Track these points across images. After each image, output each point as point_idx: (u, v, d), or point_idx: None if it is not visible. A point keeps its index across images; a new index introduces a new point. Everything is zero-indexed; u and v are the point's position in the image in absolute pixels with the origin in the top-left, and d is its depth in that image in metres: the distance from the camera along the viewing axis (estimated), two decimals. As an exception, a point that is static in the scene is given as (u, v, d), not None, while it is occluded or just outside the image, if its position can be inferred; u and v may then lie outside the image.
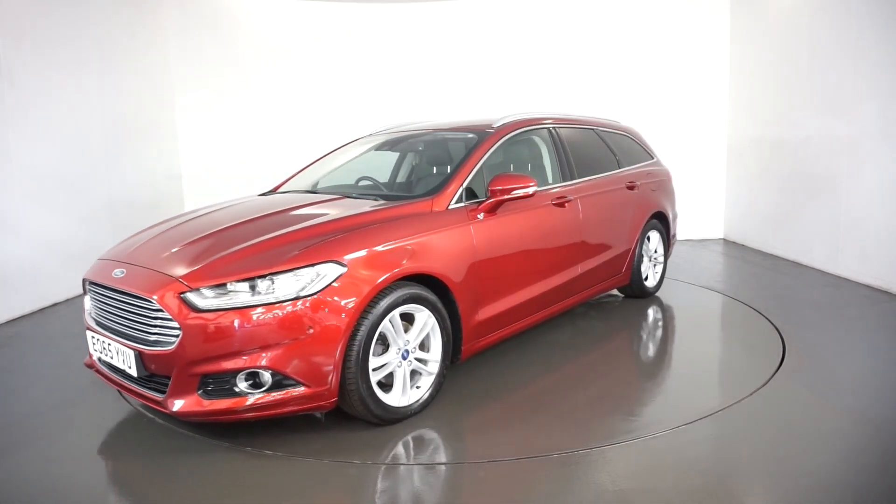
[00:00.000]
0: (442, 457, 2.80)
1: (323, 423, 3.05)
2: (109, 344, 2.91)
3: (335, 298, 2.68)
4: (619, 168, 4.87)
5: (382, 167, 4.51)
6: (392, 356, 2.97)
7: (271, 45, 7.95)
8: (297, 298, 2.63)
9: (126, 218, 6.28)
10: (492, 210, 3.51)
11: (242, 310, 2.59)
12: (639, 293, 5.13)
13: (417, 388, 3.12)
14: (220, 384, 2.64)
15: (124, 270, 2.95)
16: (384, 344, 2.97)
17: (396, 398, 2.99)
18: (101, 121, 6.17)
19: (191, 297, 2.62)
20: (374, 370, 2.86)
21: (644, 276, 5.10)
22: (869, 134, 5.38)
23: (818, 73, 6.04)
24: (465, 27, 8.08)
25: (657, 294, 5.35)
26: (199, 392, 2.64)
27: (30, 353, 4.28)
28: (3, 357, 4.19)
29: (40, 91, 5.33)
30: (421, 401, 3.10)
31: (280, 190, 4.31)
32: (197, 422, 2.95)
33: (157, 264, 2.88)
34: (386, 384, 3.01)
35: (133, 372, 2.77)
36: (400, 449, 2.81)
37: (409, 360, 3.05)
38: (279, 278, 2.65)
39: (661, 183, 5.31)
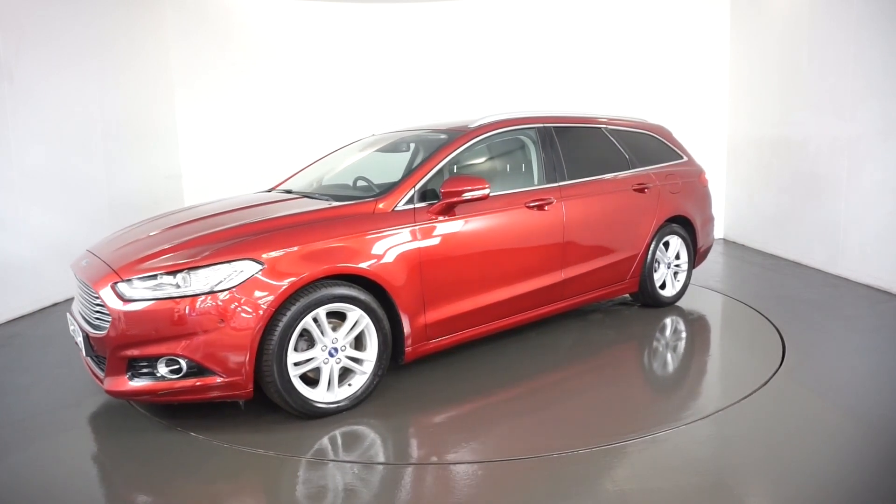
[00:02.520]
0: (380, 456, 2.80)
1: (268, 413, 3.17)
2: (75, 327, 3.22)
3: (249, 294, 2.83)
4: (631, 169, 4.65)
5: (374, 168, 4.50)
6: (317, 352, 3.05)
7: (271, 45, 7.95)
8: (211, 292, 2.81)
9: (126, 218, 6.27)
10: (444, 212, 3.49)
11: (163, 300, 2.81)
12: (652, 302, 4.83)
13: (349, 385, 3.18)
14: (145, 368, 2.87)
15: (88, 261, 3.28)
16: (311, 340, 3.07)
17: (321, 394, 3.08)
18: (101, 121, 6.17)
19: (121, 286, 2.88)
20: (296, 364, 2.98)
21: (660, 285, 4.82)
22: (869, 134, 5.38)
23: (818, 74, 6.04)
24: (465, 27, 8.08)
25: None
26: (128, 374, 2.89)
27: (30, 353, 4.28)
28: (3, 357, 4.19)
29: (40, 91, 5.33)
30: (351, 398, 3.16)
31: (269, 189, 4.38)
32: (157, 405, 3.22)
33: (109, 256, 3.17)
34: (316, 379, 3.11)
35: (83, 352, 3.11)
36: (326, 443, 2.89)
37: (337, 358, 3.11)
38: (196, 273, 2.84)
39: (687, 185, 4.98)
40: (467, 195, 3.43)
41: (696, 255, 5.15)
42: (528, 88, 8.11)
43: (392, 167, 4.46)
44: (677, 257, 4.95)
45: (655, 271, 4.78)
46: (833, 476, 2.52)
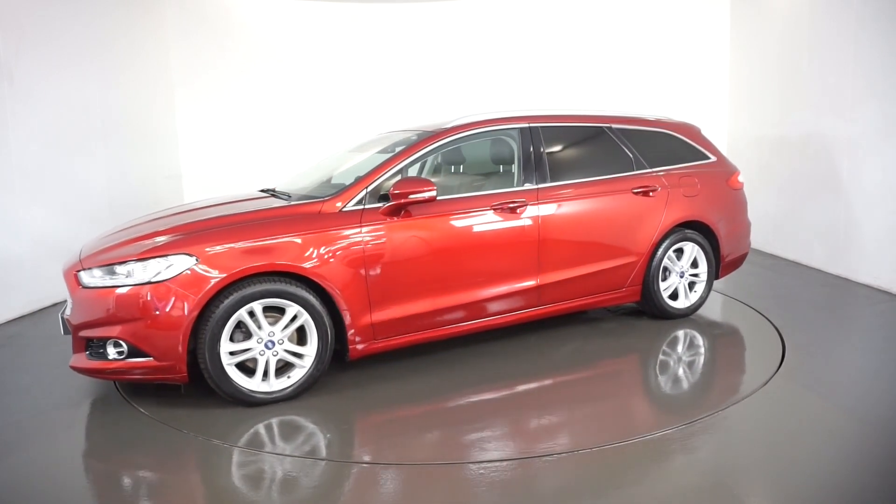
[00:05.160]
0: (319, 450, 2.85)
1: (220, 399, 3.30)
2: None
3: (183, 286, 3.06)
4: (635, 170, 4.36)
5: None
6: (253, 344, 3.20)
7: (271, 45, 7.95)
8: (149, 283, 3.07)
9: (126, 218, 6.27)
10: (394, 213, 3.50)
11: (110, 289, 3.12)
12: (659, 313, 4.49)
13: (288, 378, 3.31)
14: (97, 348, 3.19)
15: (75, 252, 3.59)
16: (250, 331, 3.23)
17: (256, 384, 3.24)
18: (101, 120, 6.17)
19: (82, 274, 3.23)
20: (232, 354, 3.16)
21: (670, 294, 4.48)
22: (869, 134, 5.38)
23: (818, 73, 6.04)
24: (465, 27, 8.08)
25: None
26: (86, 352, 3.22)
27: (30, 353, 4.28)
28: (3, 357, 4.19)
29: (40, 91, 5.32)
30: (288, 390, 3.28)
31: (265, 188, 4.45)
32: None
33: (86, 247, 3.52)
34: (255, 369, 3.27)
35: (62, 331, 3.37)
36: (261, 431, 3.01)
37: (274, 351, 3.25)
38: (137, 265, 3.12)
39: (710, 187, 4.58)
40: (413, 197, 3.44)
41: (721, 265, 4.69)
42: (528, 88, 8.11)
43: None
44: (694, 266, 4.56)
45: (663, 280, 4.45)
46: (833, 476, 2.52)
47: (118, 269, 3.14)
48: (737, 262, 4.88)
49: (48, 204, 5.42)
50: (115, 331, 3.09)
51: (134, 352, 3.10)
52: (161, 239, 3.22)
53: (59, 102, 5.58)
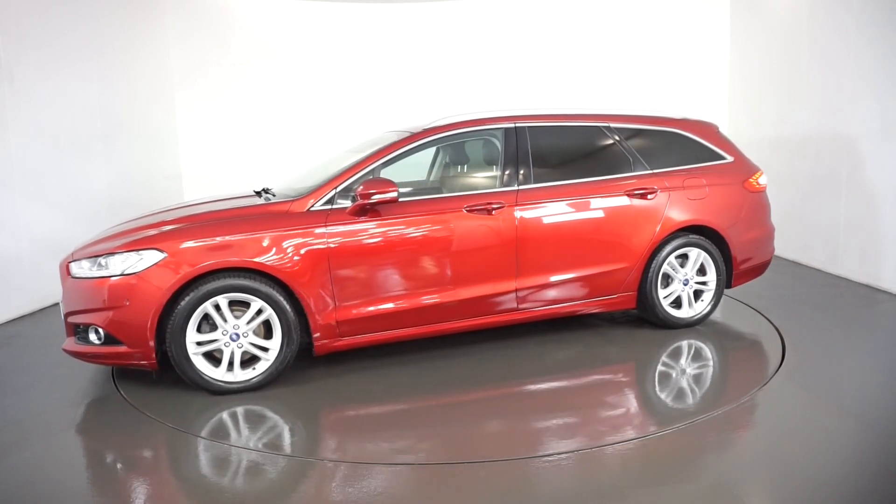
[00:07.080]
0: (282, 444, 2.90)
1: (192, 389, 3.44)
2: None
3: (151, 280, 3.26)
4: (632, 171, 4.17)
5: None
6: (219, 336, 3.36)
7: (271, 45, 7.95)
8: (122, 275, 3.27)
9: (126, 218, 6.27)
10: (361, 213, 3.55)
11: (90, 279, 3.35)
12: (659, 322, 4.28)
13: (253, 369, 3.45)
14: (82, 333, 3.44)
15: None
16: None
17: (221, 373, 3.40)
18: (101, 120, 6.17)
19: (71, 265, 3.47)
20: (198, 344, 3.33)
21: (671, 302, 4.28)
22: (869, 134, 5.38)
23: (818, 73, 6.04)
24: (465, 27, 8.08)
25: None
26: (75, 337, 3.47)
27: (30, 352, 4.28)
28: (3, 357, 4.19)
29: (40, 91, 5.32)
30: (252, 381, 3.43)
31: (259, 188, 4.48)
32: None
33: (81, 243, 3.76)
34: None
35: (62, 316, 3.54)
36: (226, 418, 3.15)
37: (239, 343, 3.40)
38: (114, 258, 3.33)
39: (719, 190, 4.30)
40: (375, 198, 3.48)
41: (735, 273, 4.41)
42: (528, 88, 8.11)
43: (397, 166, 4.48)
44: (702, 273, 4.33)
45: (665, 287, 4.25)
46: (833, 476, 2.52)
47: (100, 261, 3.36)
48: (756, 270, 4.56)
49: (48, 204, 5.42)
50: (94, 318, 3.32)
51: (109, 338, 3.32)
52: (139, 234, 3.44)
53: (59, 103, 5.58)
